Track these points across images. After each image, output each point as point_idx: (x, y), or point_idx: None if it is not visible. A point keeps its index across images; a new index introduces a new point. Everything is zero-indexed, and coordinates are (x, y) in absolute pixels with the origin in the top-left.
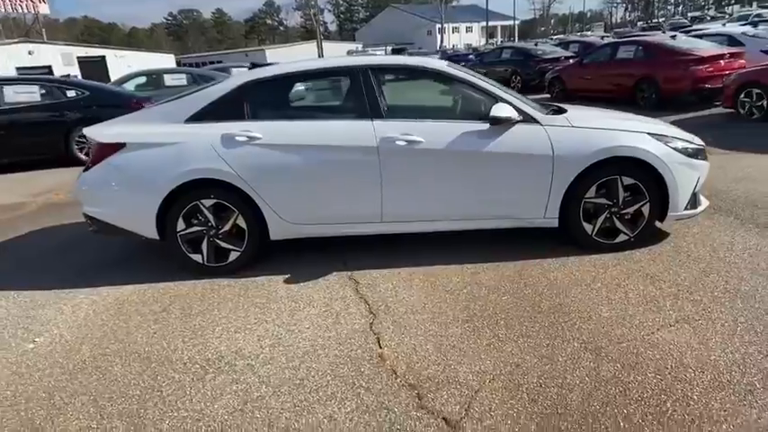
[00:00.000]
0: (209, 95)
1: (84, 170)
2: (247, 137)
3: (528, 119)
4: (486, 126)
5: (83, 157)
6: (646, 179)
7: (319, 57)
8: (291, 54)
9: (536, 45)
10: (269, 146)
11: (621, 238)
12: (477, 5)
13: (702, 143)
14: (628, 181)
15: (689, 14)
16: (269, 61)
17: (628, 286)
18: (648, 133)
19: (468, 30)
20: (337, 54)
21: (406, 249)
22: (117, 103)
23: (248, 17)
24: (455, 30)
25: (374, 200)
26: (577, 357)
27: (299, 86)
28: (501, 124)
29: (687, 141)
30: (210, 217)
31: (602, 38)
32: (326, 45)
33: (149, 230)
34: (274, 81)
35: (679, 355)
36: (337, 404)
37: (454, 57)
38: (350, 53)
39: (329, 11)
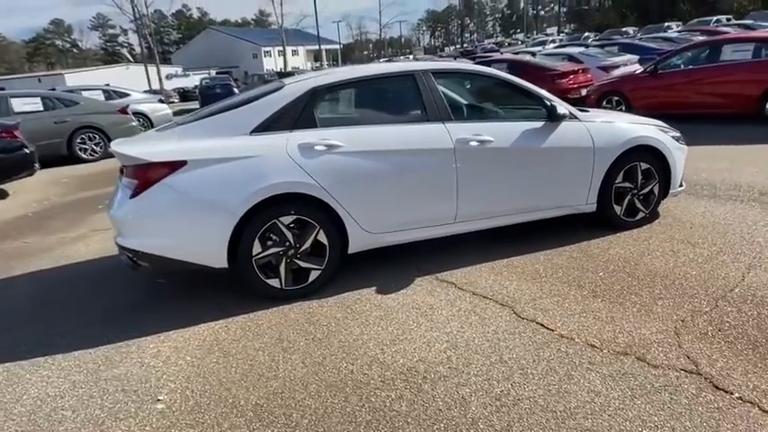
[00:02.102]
0: (272, 104)
1: (131, 197)
2: (327, 145)
3: (572, 116)
4: (540, 124)
5: None
6: (656, 163)
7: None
8: (96, 78)
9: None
10: (350, 153)
11: (640, 215)
12: (300, 30)
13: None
14: (644, 166)
15: (486, 41)
16: (68, 86)
17: (680, 251)
18: (655, 125)
19: (295, 53)
20: (154, 78)
21: (468, 248)
22: None
23: (30, 38)
24: (281, 53)
25: (450, 201)
26: (716, 305)
27: (367, 91)
28: (557, 122)
29: (674, 131)
30: (289, 235)
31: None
32: (136, 69)
33: (218, 259)
34: (343, 86)
35: None
36: (579, 381)
37: None
38: (169, 77)
39: (134, 31)
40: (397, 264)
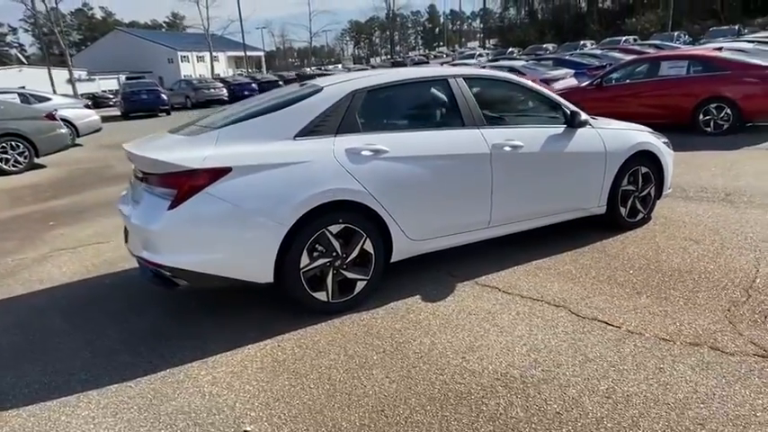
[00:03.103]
0: (314, 107)
1: (170, 207)
2: (373, 150)
3: (587, 123)
4: (561, 130)
5: None
6: (653, 167)
7: (53, 83)
8: None
9: None
10: (396, 159)
11: (639, 216)
12: (222, 36)
13: None
14: (644, 170)
15: (410, 53)
16: None
17: (688, 247)
18: (649, 132)
19: (215, 59)
20: (57, 81)
21: (489, 252)
22: None
23: None
24: (200, 59)
25: (486, 206)
26: (749, 295)
27: (404, 95)
28: (577, 128)
29: (663, 137)
30: (337, 245)
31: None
32: (31, 71)
33: (264, 273)
34: (382, 89)
35: None
36: (673, 373)
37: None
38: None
39: (26, 30)
40: (427, 270)
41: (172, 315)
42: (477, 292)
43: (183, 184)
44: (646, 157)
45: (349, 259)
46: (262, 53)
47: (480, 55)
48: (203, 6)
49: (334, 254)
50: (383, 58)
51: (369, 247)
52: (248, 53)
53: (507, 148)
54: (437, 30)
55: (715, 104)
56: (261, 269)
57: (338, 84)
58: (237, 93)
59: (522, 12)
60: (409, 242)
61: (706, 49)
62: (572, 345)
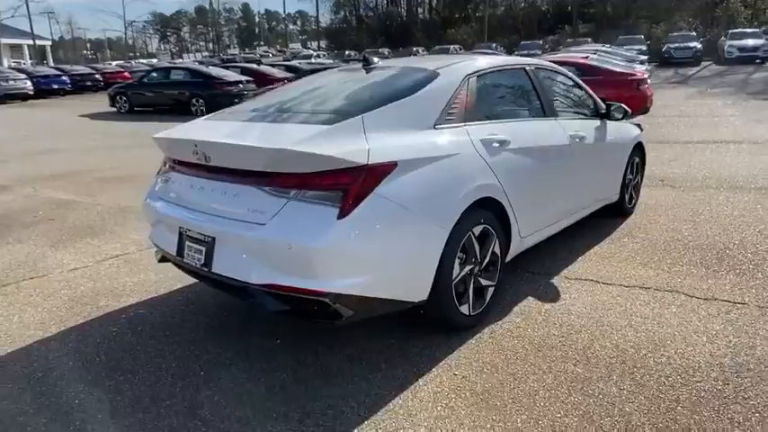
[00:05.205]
0: (440, 92)
1: (340, 216)
2: (499, 141)
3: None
4: (599, 121)
5: None
6: (641, 157)
7: None
8: None
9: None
10: (516, 150)
11: (633, 202)
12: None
13: None
14: (637, 160)
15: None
16: None
17: (697, 225)
18: (632, 124)
19: None
20: None
21: (541, 247)
22: None
23: None
24: None
25: (568, 196)
26: None
27: (500, 81)
28: (608, 120)
29: None
30: (477, 249)
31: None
32: None
33: (421, 290)
34: (484, 75)
35: None
36: None
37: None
38: None
39: None
40: (504, 272)
41: (296, 356)
42: (582, 287)
43: (353, 185)
44: (638, 148)
45: (483, 264)
46: (47, 42)
47: (318, 56)
48: None
49: (474, 259)
50: (204, 54)
51: (497, 248)
52: (28, 41)
53: (577, 139)
54: (256, 29)
55: None
56: (419, 285)
57: (448, 67)
58: (44, 86)
59: (349, 17)
60: (519, 240)
61: (575, 56)
62: (737, 330)
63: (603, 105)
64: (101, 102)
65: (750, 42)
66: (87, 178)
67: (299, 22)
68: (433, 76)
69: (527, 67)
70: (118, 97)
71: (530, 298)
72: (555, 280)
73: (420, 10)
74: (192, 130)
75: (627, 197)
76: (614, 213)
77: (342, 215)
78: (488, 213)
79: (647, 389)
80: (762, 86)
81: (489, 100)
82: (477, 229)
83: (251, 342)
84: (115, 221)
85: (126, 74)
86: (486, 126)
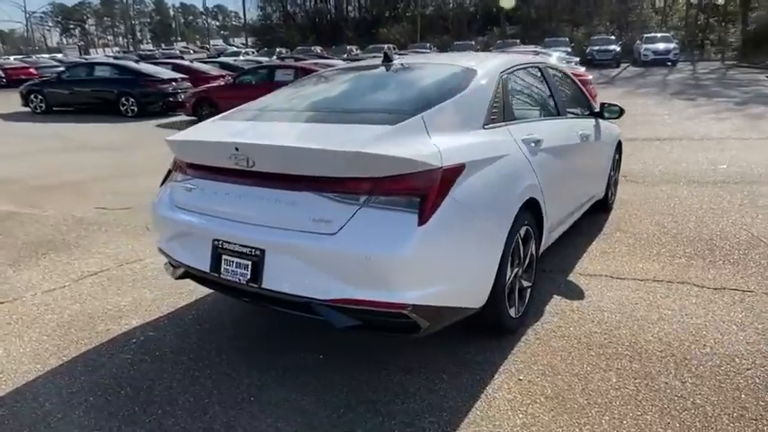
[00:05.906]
0: (483, 91)
1: (421, 222)
2: (535, 141)
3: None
4: (593, 120)
5: None
6: (619, 154)
7: None
8: None
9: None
10: (548, 150)
11: (613, 198)
12: None
13: None
14: (617, 156)
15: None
16: None
17: (682, 217)
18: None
19: None
20: None
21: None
22: None
23: None
24: None
25: (579, 194)
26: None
27: (524, 80)
28: (599, 119)
29: None
30: (522, 250)
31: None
32: None
33: (481, 295)
34: (517, 72)
35: None
36: None
37: None
38: None
39: None
40: None
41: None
42: (599, 283)
43: (431, 189)
44: (618, 146)
45: (525, 265)
46: None
47: (246, 53)
48: None
49: (518, 261)
50: (115, 49)
51: (533, 248)
52: None
53: (584, 138)
54: (172, 24)
55: None
56: (482, 290)
57: (481, 63)
58: None
59: (277, 13)
60: (546, 237)
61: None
62: (757, 315)
63: (596, 104)
64: (8, 101)
65: (662, 46)
66: (23, 187)
67: (219, 17)
68: (470, 73)
69: (540, 66)
70: (32, 96)
71: (556, 297)
72: (572, 277)
73: (350, 8)
74: (219, 131)
75: (610, 192)
76: (599, 209)
77: (422, 221)
78: (528, 213)
79: (706, 380)
80: (679, 87)
81: (519, 99)
82: (523, 230)
83: (290, 360)
84: (77, 234)
85: (31, 70)
86: (522, 126)
